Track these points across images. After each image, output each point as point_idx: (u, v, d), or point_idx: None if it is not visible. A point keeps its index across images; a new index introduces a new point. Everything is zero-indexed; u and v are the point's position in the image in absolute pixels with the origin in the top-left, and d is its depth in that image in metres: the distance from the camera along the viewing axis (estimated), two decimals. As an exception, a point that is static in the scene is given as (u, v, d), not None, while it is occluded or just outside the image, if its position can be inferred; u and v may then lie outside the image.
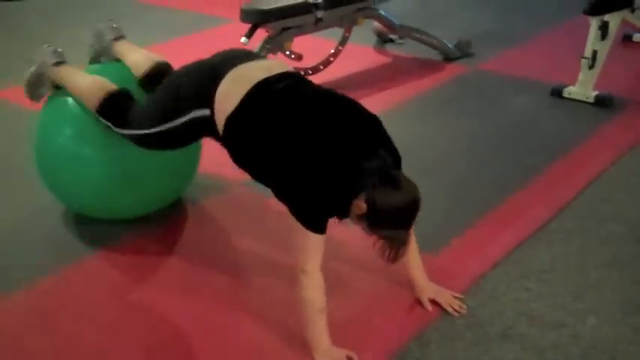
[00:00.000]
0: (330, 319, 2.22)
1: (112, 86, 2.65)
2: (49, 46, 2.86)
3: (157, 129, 2.46)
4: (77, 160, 2.74)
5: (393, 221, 2.13)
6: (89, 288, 2.62)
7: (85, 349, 2.32)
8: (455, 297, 2.49)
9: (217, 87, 2.30)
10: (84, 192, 2.80)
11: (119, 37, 2.96)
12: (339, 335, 2.25)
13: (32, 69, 2.87)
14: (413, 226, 2.21)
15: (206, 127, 2.36)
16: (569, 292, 2.57)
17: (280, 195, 2.24)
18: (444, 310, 2.45)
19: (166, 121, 2.42)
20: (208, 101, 2.31)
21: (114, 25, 2.99)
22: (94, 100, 2.62)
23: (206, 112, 2.32)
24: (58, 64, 2.80)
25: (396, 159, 2.26)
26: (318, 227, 2.16)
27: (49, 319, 2.45)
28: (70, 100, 2.77)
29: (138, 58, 2.82)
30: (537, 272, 2.68)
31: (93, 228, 2.93)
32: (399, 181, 2.11)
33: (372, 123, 2.27)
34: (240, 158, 2.37)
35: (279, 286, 2.54)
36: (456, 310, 2.45)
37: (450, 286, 2.54)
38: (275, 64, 2.43)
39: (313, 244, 2.17)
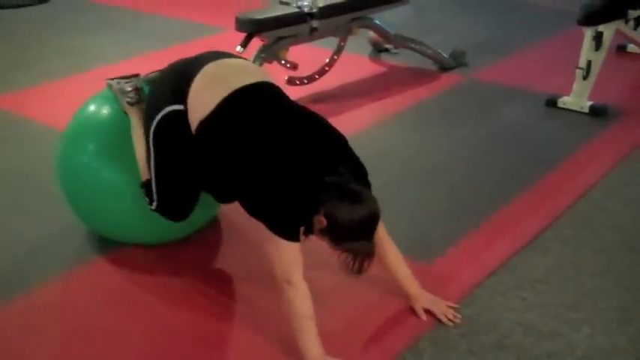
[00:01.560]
0: (322, 329, 2.22)
1: None
2: (127, 82, 2.71)
3: (147, 139, 2.47)
4: (109, 189, 2.69)
5: (352, 234, 2.17)
6: (87, 296, 2.61)
7: (82, 356, 2.31)
8: (449, 306, 2.49)
9: (190, 84, 2.35)
10: (117, 221, 2.76)
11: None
12: (332, 345, 2.24)
13: (113, 87, 2.76)
14: (375, 238, 2.24)
15: (179, 123, 2.36)
16: (563, 302, 2.57)
17: (250, 209, 2.28)
18: (439, 320, 2.44)
19: (150, 123, 2.44)
20: (182, 97, 2.35)
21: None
22: (144, 172, 2.59)
23: (179, 107, 2.36)
24: (131, 104, 2.68)
25: (362, 174, 2.30)
26: (291, 235, 2.18)
27: (47, 326, 2.45)
28: (91, 121, 2.75)
29: None
30: (532, 282, 2.67)
31: (92, 235, 2.92)
32: (358, 194, 2.16)
33: (336, 141, 2.33)
34: (208, 163, 2.38)
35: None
36: (450, 320, 2.44)
37: (445, 295, 2.54)
38: (249, 67, 2.49)
39: (290, 254, 2.20)
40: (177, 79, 2.41)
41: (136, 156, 2.61)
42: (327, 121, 2.38)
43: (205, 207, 2.79)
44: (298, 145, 2.24)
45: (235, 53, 2.54)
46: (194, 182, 2.54)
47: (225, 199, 2.61)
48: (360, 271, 2.24)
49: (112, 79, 2.77)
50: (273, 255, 2.21)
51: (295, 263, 2.19)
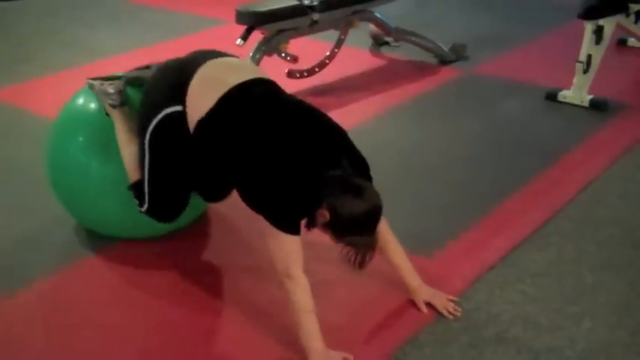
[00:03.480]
0: (323, 322, 2.22)
1: None
2: (110, 84, 2.67)
3: (142, 140, 2.45)
4: (88, 176, 2.70)
5: (355, 228, 2.17)
6: (86, 290, 2.61)
7: (81, 351, 2.31)
8: (450, 300, 2.49)
9: (189, 83, 2.34)
10: (95, 210, 2.76)
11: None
12: (333, 338, 2.24)
13: (95, 87, 2.73)
14: (377, 232, 2.24)
15: (179, 124, 2.36)
16: (564, 296, 2.57)
17: (250, 203, 2.27)
18: (439, 313, 2.45)
19: (147, 124, 2.42)
20: (180, 97, 2.35)
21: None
22: (134, 173, 2.58)
23: (178, 108, 2.35)
24: (114, 106, 2.66)
25: (363, 168, 2.30)
26: (291, 228, 2.18)
27: (47, 321, 2.45)
28: (81, 114, 2.75)
29: None
30: (533, 275, 2.67)
31: (91, 231, 2.91)
32: (360, 188, 2.15)
33: (336, 135, 2.32)
34: (207, 161, 2.39)
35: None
36: (450, 313, 2.44)
37: (445, 288, 2.54)
38: (246, 65, 2.50)
39: (291, 247, 2.20)
40: (174, 80, 2.40)
41: (123, 158, 2.60)
42: (326, 114, 2.38)
43: (194, 204, 2.79)
44: (298, 138, 2.24)
45: (229, 52, 2.53)
46: (188, 184, 2.55)
47: (216, 197, 2.63)
48: (361, 265, 2.24)
49: (94, 79, 2.73)
50: (274, 248, 2.21)
51: (295, 257, 2.20)
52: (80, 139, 2.73)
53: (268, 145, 2.22)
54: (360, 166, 2.29)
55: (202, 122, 2.31)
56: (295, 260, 2.20)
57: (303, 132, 2.26)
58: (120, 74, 2.76)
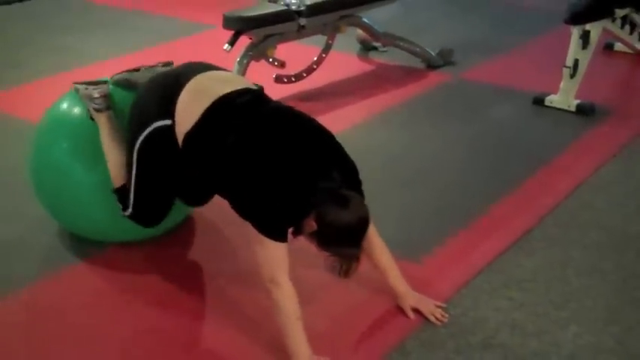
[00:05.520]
0: (309, 328, 2.22)
1: None
2: (94, 88, 2.65)
3: (131, 150, 2.45)
4: (72, 181, 2.70)
5: (340, 239, 2.18)
6: (72, 298, 2.60)
7: (69, 357, 2.30)
8: (437, 305, 2.49)
9: (178, 97, 2.35)
10: (80, 215, 2.76)
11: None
12: (319, 344, 2.24)
13: (80, 92, 2.73)
14: (363, 243, 2.25)
15: (167, 138, 2.37)
16: (550, 301, 2.57)
17: (239, 210, 2.28)
18: (426, 319, 2.45)
19: (137, 136, 2.42)
20: (169, 111, 2.35)
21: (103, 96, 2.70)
22: (118, 178, 2.59)
23: (167, 122, 2.36)
24: (99, 110, 2.65)
25: (353, 175, 2.30)
26: (278, 235, 2.19)
27: (31, 327, 2.43)
28: (65, 118, 2.74)
29: None
30: (519, 281, 2.68)
31: (77, 238, 2.90)
32: (348, 200, 2.16)
33: (326, 142, 2.32)
34: (196, 173, 2.40)
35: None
36: (437, 319, 2.44)
37: (433, 294, 2.54)
38: (234, 78, 2.49)
39: (277, 254, 2.20)
40: (163, 93, 2.41)
41: (108, 162, 2.61)
42: (314, 119, 2.37)
43: (180, 207, 2.80)
44: (289, 147, 2.23)
45: (218, 56, 2.54)
46: (173, 192, 2.58)
47: (199, 202, 2.66)
48: (347, 274, 2.25)
49: (80, 83, 2.74)
50: (260, 255, 2.21)
51: (281, 263, 2.20)
52: (64, 143, 2.72)
53: (257, 155, 2.21)
54: (349, 174, 2.29)
55: (189, 135, 2.31)
56: (280, 267, 2.20)
57: (291, 140, 2.26)
58: (106, 79, 2.76)
